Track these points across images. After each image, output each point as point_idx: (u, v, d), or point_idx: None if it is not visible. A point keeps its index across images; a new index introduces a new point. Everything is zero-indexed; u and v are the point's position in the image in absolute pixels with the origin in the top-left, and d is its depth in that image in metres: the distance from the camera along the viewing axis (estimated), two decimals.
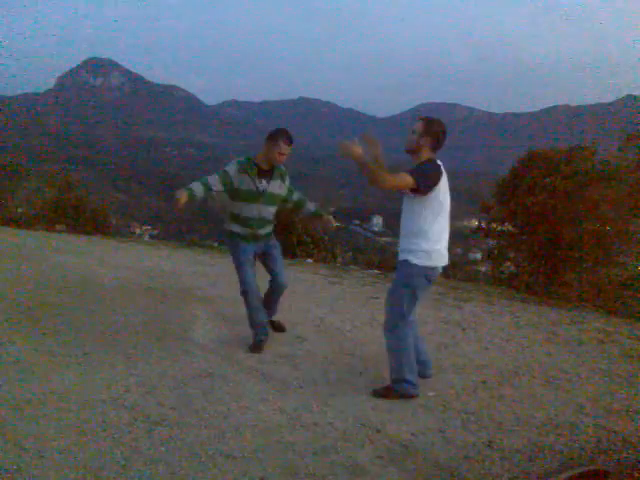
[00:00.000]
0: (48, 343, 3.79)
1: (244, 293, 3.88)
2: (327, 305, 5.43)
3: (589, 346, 4.45)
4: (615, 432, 2.82)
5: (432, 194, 2.93)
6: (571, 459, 2.49)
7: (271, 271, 4.01)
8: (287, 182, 3.92)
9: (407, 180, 2.86)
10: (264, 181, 3.74)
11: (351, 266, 9.80)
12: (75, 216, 13.65)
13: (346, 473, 2.33)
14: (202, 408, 2.89)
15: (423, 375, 3.33)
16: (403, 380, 3.10)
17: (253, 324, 3.96)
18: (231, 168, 3.68)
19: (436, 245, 3.01)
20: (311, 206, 4.04)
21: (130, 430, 2.60)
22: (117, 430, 2.59)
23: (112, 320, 4.47)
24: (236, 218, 3.81)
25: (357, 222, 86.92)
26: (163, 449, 2.44)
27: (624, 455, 2.58)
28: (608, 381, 3.62)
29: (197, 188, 3.55)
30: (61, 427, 2.58)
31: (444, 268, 3.19)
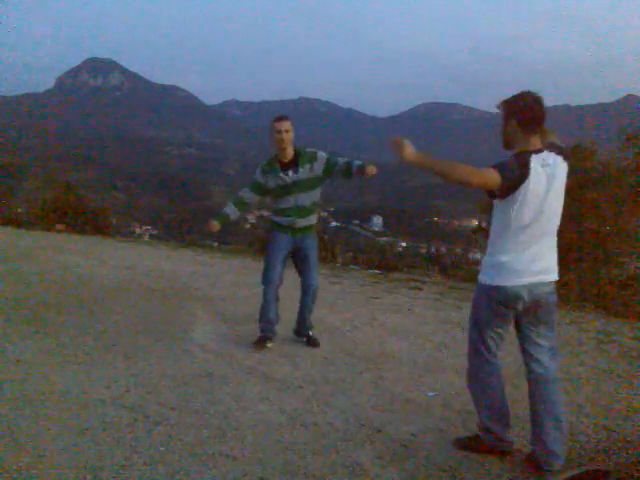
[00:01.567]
0: (48, 343, 3.79)
1: (263, 282, 3.94)
2: (327, 305, 5.43)
3: (589, 346, 4.45)
4: (615, 432, 2.82)
5: (515, 197, 2.24)
6: (571, 459, 2.49)
7: (301, 271, 4.01)
8: (323, 158, 3.80)
9: (494, 176, 2.20)
10: (290, 172, 3.78)
11: (351, 266, 9.80)
12: (75, 216, 13.65)
13: (346, 473, 2.33)
14: (202, 408, 2.89)
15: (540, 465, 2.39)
16: (484, 428, 2.49)
17: (261, 318, 3.99)
18: (257, 174, 3.90)
19: (511, 259, 2.31)
20: (356, 162, 3.80)
21: (130, 430, 2.60)
22: (117, 430, 2.59)
23: (112, 320, 4.47)
24: (276, 210, 3.95)
25: (357, 222, 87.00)
26: (163, 449, 2.44)
27: (624, 455, 2.58)
28: (608, 381, 3.62)
29: (231, 210, 3.92)
30: (61, 427, 2.58)
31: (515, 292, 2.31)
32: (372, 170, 3.64)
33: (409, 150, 2.27)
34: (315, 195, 3.89)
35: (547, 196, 2.29)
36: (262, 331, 3.99)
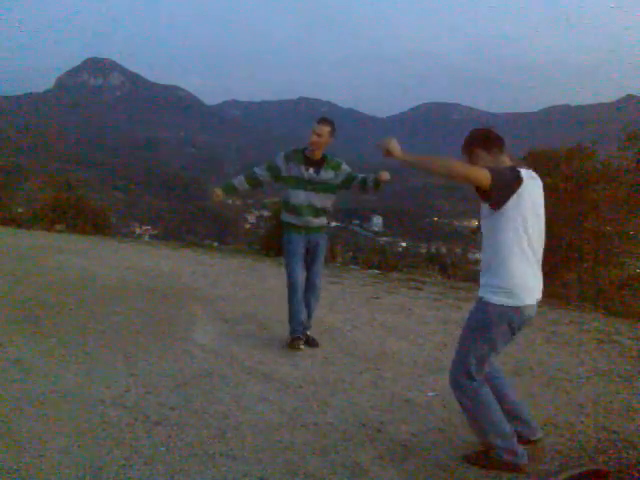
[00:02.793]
0: (48, 343, 3.79)
1: (289, 285, 3.93)
2: (327, 305, 5.43)
3: (589, 346, 4.45)
4: (615, 432, 2.82)
5: (511, 208, 2.26)
6: (571, 459, 2.49)
7: (308, 270, 4.02)
8: (345, 171, 3.89)
9: (483, 174, 2.20)
10: (311, 169, 3.85)
11: (351, 266, 9.81)
12: (75, 216, 13.64)
13: (346, 473, 2.33)
14: (202, 408, 2.89)
15: (528, 438, 2.48)
16: (495, 448, 2.37)
17: (290, 320, 3.98)
18: (278, 157, 3.96)
19: (520, 279, 2.31)
20: (370, 177, 3.85)
21: (130, 430, 2.60)
22: (117, 430, 2.59)
23: (112, 320, 4.47)
24: (287, 206, 3.95)
25: (357, 222, 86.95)
26: (163, 449, 2.44)
27: (624, 455, 2.58)
28: (608, 381, 3.62)
29: (239, 182, 3.95)
30: (61, 427, 2.58)
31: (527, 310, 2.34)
32: (385, 175, 3.69)
33: (397, 148, 2.37)
34: (327, 200, 3.94)
35: (540, 209, 2.37)
36: (294, 332, 3.94)
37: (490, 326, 2.33)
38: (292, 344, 3.91)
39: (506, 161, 2.40)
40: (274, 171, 3.93)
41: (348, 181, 3.92)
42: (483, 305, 2.36)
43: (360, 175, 3.92)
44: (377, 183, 3.78)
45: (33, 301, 4.91)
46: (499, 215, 2.29)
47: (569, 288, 7.11)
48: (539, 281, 2.41)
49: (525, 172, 2.33)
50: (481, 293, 2.39)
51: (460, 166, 2.26)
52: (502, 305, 2.30)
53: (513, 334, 2.38)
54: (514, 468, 2.36)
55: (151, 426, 2.65)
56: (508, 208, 2.26)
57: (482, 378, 2.41)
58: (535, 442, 2.49)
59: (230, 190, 3.93)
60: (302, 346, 3.93)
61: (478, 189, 2.26)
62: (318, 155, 3.87)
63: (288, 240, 3.96)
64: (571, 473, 2.23)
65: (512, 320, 2.32)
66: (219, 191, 3.88)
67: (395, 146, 2.37)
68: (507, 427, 2.37)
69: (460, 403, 2.44)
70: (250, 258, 9.51)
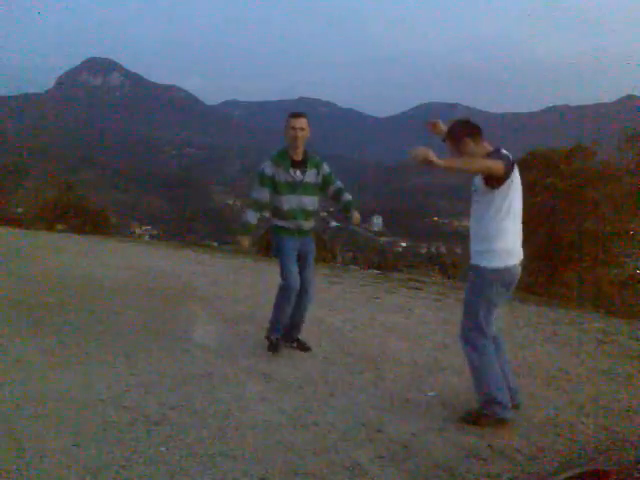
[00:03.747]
0: (48, 343, 3.79)
1: (282, 287, 3.79)
2: (327, 305, 5.43)
3: (589, 346, 4.45)
4: (615, 432, 2.81)
5: (506, 186, 2.68)
6: (571, 459, 2.49)
7: (300, 275, 3.84)
8: (325, 171, 3.83)
9: (502, 165, 2.59)
10: (298, 172, 3.74)
11: (351, 266, 9.82)
12: (75, 216, 13.66)
13: (346, 473, 2.33)
14: (202, 408, 2.88)
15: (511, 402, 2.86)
16: (492, 401, 2.73)
17: (273, 321, 3.87)
18: (266, 166, 3.74)
19: (511, 243, 2.76)
20: (346, 197, 3.89)
21: (130, 430, 2.60)
22: (117, 430, 2.59)
23: (112, 320, 4.47)
24: (279, 212, 3.80)
25: None
26: (163, 449, 2.44)
27: (624, 455, 2.57)
28: (608, 381, 3.62)
29: (251, 217, 3.81)
30: (61, 427, 2.58)
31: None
32: (357, 220, 3.95)
33: (435, 157, 2.50)
34: (315, 201, 3.86)
35: (519, 183, 2.77)
36: (272, 333, 3.88)
37: (488, 287, 2.76)
38: (271, 350, 3.84)
39: (487, 146, 2.77)
40: (270, 183, 3.73)
41: (325, 184, 3.85)
42: (479, 271, 2.79)
43: (338, 183, 3.89)
44: (347, 212, 3.89)
45: (33, 301, 4.91)
46: (496, 193, 2.68)
47: (569, 288, 7.12)
48: (520, 244, 2.83)
49: (509, 154, 2.73)
50: (475, 261, 2.81)
51: (488, 162, 2.61)
52: (495, 268, 2.74)
53: (508, 290, 2.84)
54: (503, 423, 2.74)
55: (151, 426, 2.65)
56: (504, 186, 2.67)
57: (490, 336, 2.81)
58: (514, 406, 2.86)
59: (252, 230, 3.88)
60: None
61: (488, 175, 2.63)
62: (301, 153, 3.74)
63: (282, 243, 3.81)
64: (571, 473, 2.23)
65: (505, 279, 2.77)
66: (245, 239, 3.98)
67: (433, 155, 2.48)
68: (504, 382, 2.79)
69: (468, 357, 2.84)
70: (250, 258, 9.52)
